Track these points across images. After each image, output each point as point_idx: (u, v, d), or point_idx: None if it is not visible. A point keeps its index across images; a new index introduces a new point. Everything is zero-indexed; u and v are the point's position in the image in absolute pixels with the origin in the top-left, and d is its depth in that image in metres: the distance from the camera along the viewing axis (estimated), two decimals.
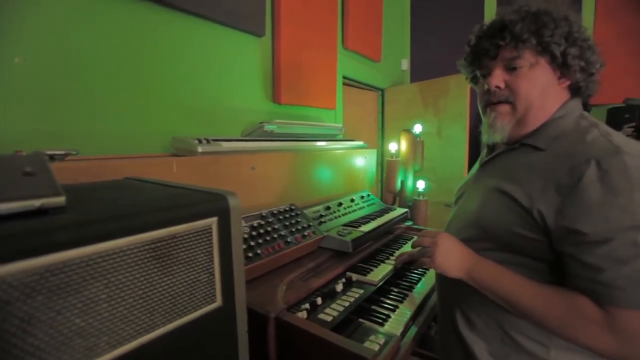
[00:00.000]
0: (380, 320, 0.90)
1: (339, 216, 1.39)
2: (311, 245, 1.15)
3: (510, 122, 0.75)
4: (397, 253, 1.27)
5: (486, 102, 0.79)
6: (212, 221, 0.48)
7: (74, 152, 0.79)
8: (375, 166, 1.97)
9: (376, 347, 0.74)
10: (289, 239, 1.06)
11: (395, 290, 1.09)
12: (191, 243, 0.46)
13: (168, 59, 1.21)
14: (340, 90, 2.23)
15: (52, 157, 0.75)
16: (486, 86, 0.77)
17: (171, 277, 0.44)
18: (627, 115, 1.98)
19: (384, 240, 1.40)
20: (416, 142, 1.97)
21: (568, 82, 0.73)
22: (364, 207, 1.58)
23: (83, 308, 0.35)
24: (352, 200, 1.56)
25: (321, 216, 1.31)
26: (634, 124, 1.88)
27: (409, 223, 1.67)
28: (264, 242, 1.00)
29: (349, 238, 1.16)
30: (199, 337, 0.49)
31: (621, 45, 2.22)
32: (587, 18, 2.33)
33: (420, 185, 1.91)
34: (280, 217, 1.14)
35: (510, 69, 0.73)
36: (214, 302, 0.50)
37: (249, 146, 1.20)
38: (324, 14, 1.94)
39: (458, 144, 2.50)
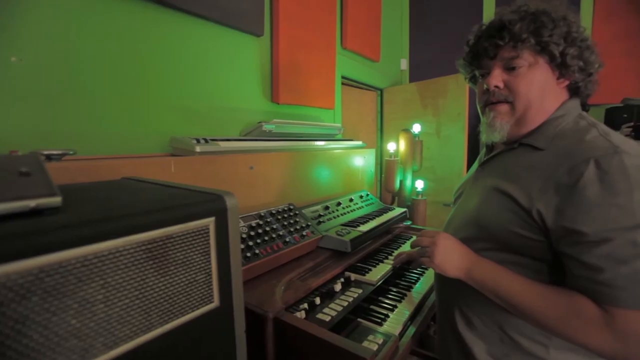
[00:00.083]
0: (379, 320, 0.90)
1: (338, 216, 1.39)
2: (310, 245, 1.15)
3: (509, 122, 0.75)
4: (396, 253, 1.27)
5: (485, 102, 0.79)
6: (210, 221, 0.48)
7: (71, 152, 0.79)
8: (374, 166, 1.97)
9: (375, 347, 0.74)
10: (287, 239, 1.06)
11: (394, 290, 1.09)
12: (188, 243, 0.46)
13: (166, 58, 1.20)
14: (339, 90, 2.23)
15: (49, 157, 0.75)
16: (485, 86, 0.77)
17: (168, 277, 0.44)
18: (625, 115, 1.98)
19: (383, 240, 1.40)
20: (415, 142, 1.98)
21: (567, 82, 0.73)
22: (362, 206, 1.58)
23: (79, 309, 0.35)
24: (351, 200, 1.56)
25: (320, 216, 1.31)
26: (631, 123, 1.88)
27: (408, 223, 1.67)
28: (262, 242, 1.00)
29: (347, 238, 1.16)
30: (197, 338, 0.49)
31: (619, 45, 2.23)
32: (586, 18, 2.33)
33: (419, 184, 1.91)
34: (279, 217, 1.14)
35: (509, 68, 0.73)
36: (212, 302, 0.50)
37: (247, 146, 1.19)
38: (322, 13, 1.94)
39: (457, 143, 2.50)
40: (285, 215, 1.16)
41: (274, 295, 0.84)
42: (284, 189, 1.29)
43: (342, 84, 2.31)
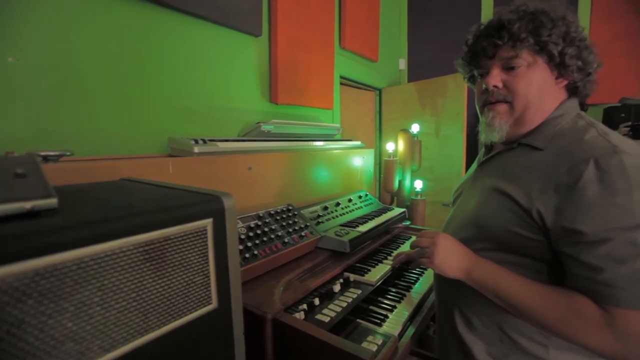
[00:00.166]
0: (378, 321, 0.90)
1: (337, 216, 1.38)
2: (309, 246, 1.14)
3: (508, 122, 0.75)
4: (395, 253, 1.27)
5: (484, 102, 0.79)
6: (207, 222, 0.48)
7: (68, 153, 0.79)
8: (373, 166, 1.97)
9: (374, 348, 0.74)
10: (286, 240, 1.06)
11: (393, 290, 1.09)
12: (186, 245, 0.45)
13: (165, 58, 1.20)
14: (338, 90, 2.23)
15: (45, 158, 0.74)
16: (484, 86, 0.77)
17: (165, 279, 0.43)
18: (623, 115, 1.98)
19: (382, 240, 1.40)
20: (414, 142, 1.98)
21: (565, 82, 0.73)
22: (361, 207, 1.58)
23: (75, 312, 0.35)
24: (350, 200, 1.55)
25: (319, 216, 1.31)
26: (629, 123, 1.89)
27: (407, 223, 1.67)
28: (261, 242, 1.00)
29: (346, 238, 1.15)
30: (195, 340, 0.48)
31: (617, 45, 2.23)
32: (584, 18, 2.34)
33: (418, 184, 1.91)
34: (278, 218, 1.14)
35: (508, 68, 0.73)
36: (210, 304, 0.50)
37: (245, 146, 1.19)
38: (320, 13, 1.94)
39: (456, 143, 2.50)
40: (284, 216, 1.16)
41: (273, 296, 0.84)
42: (282, 189, 1.29)
43: (341, 84, 2.31)
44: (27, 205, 0.36)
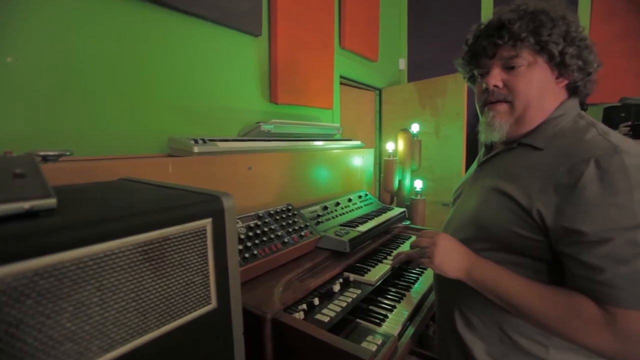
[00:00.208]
0: (378, 321, 0.90)
1: (337, 216, 1.38)
2: (308, 246, 1.14)
3: (508, 121, 0.75)
4: (395, 253, 1.27)
5: (484, 102, 0.78)
6: (207, 222, 0.48)
7: (67, 153, 0.78)
8: (373, 166, 1.97)
9: (374, 348, 0.74)
10: (286, 240, 1.06)
11: (393, 290, 1.09)
12: (185, 245, 0.45)
13: (164, 58, 1.20)
14: (338, 89, 2.23)
15: (45, 158, 0.74)
16: (484, 85, 0.77)
17: (165, 279, 0.43)
18: (623, 114, 1.98)
19: (382, 240, 1.39)
20: (414, 142, 1.97)
21: (566, 82, 0.73)
22: (361, 206, 1.58)
23: (74, 312, 0.35)
24: (350, 200, 1.55)
25: (318, 216, 1.31)
26: (629, 123, 1.88)
27: (407, 222, 1.67)
28: (260, 242, 0.99)
29: (346, 238, 1.15)
30: (194, 340, 0.48)
31: (617, 45, 2.23)
32: (583, 18, 2.34)
33: (418, 184, 1.90)
34: (277, 218, 1.14)
35: (508, 68, 0.73)
36: (209, 304, 0.49)
37: (245, 146, 1.19)
38: (320, 13, 1.93)
39: (455, 143, 2.50)
40: (284, 216, 1.16)
41: (273, 296, 0.84)
42: (282, 189, 1.29)
43: (341, 83, 2.31)
44: (26, 205, 0.36)
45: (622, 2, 2.24)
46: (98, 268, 0.36)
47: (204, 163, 1.00)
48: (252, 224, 1.04)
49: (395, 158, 1.93)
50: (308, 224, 1.19)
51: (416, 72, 3.12)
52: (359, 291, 0.99)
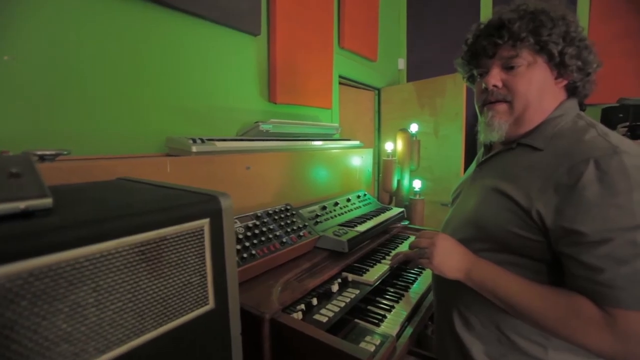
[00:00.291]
0: (376, 321, 0.89)
1: (335, 216, 1.38)
2: (307, 246, 1.14)
3: (507, 121, 0.75)
4: (394, 253, 1.27)
5: (483, 101, 0.78)
6: (204, 223, 0.47)
7: (65, 152, 0.78)
8: (372, 166, 1.97)
9: (372, 348, 0.74)
10: (284, 239, 1.06)
11: (391, 290, 1.08)
12: (182, 245, 0.45)
13: (163, 58, 1.20)
14: (337, 89, 2.22)
15: (42, 158, 0.74)
16: (484, 85, 0.77)
17: (162, 279, 0.43)
18: (621, 115, 1.99)
19: (381, 240, 1.39)
20: (412, 142, 1.97)
21: (565, 82, 0.73)
22: (360, 206, 1.58)
23: (70, 313, 0.34)
24: (349, 200, 1.55)
25: (317, 216, 1.31)
26: (627, 123, 1.89)
27: (406, 222, 1.67)
28: (259, 242, 0.99)
29: (345, 238, 1.15)
30: (191, 340, 0.48)
31: (616, 45, 2.23)
32: (582, 18, 2.34)
33: (417, 184, 1.90)
34: (276, 217, 1.13)
35: (508, 68, 0.73)
36: (207, 304, 0.49)
37: (244, 146, 1.19)
38: (319, 13, 1.93)
39: (454, 143, 2.50)
40: (282, 216, 1.16)
41: (271, 296, 0.84)
42: (281, 189, 1.28)
43: (340, 83, 2.31)
44: (21, 205, 0.35)
45: (621, 3, 2.25)
46: (94, 269, 0.36)
47: (202, 163, 1.00)
48: (250, 223, 1.04)
49: (394, 158, 1.93)
50: (307, 223, 1.19)
51: (415, 72, 3.12)
52: (357, 291, 0.99)
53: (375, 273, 1.10)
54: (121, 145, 1.09)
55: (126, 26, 1.09)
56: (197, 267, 0.47)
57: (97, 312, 0.37)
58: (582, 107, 0.77)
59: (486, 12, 2.68)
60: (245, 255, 0.92)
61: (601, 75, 0.75)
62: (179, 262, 0.45)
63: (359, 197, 1.65)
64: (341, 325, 0.84)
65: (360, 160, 1.81)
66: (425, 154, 2.54)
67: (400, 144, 1.96)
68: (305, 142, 1.50)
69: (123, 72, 1.08)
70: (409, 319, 0.94)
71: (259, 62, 1.59)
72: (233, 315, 0.54)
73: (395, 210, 1.61)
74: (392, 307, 0.97)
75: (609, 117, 2.06)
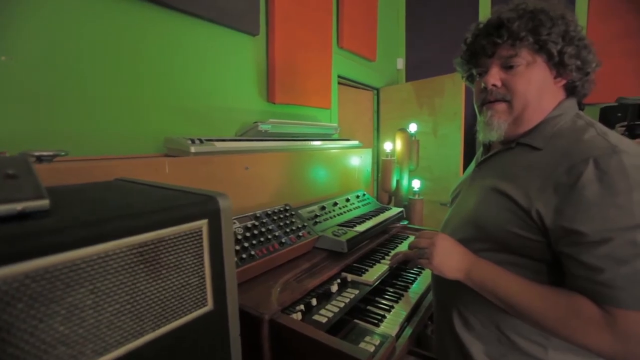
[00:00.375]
0: (376, 321, 0.89)
1: (334, 216, 1.38)
2: (306, 246, 1.14)
3: (506, 121, 0.75)
4: (393, 253, 1.26)
5: (482, 101, 0.78)
6: (202, 223, 0.47)
7: (62, 153, 0.78)
8: (371, 165, 1.97)
9: (371, 349, 0.74)
10: (283, 240, 1.05)
11: (391, 290, 1.08)
12: (181, 246, 0.45)
13: (161, 58, 1.19)
14: (335, 89, 2.22)
15: (39, 159, 0.73)
16: (483, 84, 0.76)
17: (160, 281, 0.43)
18: (619, 114, 1.99)
19: (380, 240, 1.39)
20: (411, 141, 1.97)
21: (564, 82, 0.73)
22: (359, 206, 1.57)
23: (67, 315, 0.34)
24: (348, 200, 1.55)
25: (316, 216, 1.31)
26: (625, 123, 1.89)
27: (405, 222, 1.66)
28: (258, 243, 0.99)
29: (344, 238, 1.15)
30: (190, 342, 0.48)
31: (614, 45, 2.24)
32: (581, 18, 2.34)
33: (416, 184, 1.90)
34: (275, 218, 1.13)
35: (507, 67, 0.73)
36: (205, 305, 0.49)
37: (242, 146, 1.18)
38: (318, 13, 1.93)
39: (453, 142, 2.50)
40: (281, 216, 1.16)
41: (270, 297, 0.84)
42: (280, 189, 1.28)
43: (339, 83, 2.30)
44: (18, 206, 0.35)
45: (619, 2, 2.25)
46: (92, 270, 0.36)
47: (201, 163, 0.99)
48: (249, 224, 1.04)
49: (393, 158, 1.93)
50: (306, 224, 1.19)
51: (414, 71, 3.12)
52: (356, 291, 0.98)
53: (375, 273, 1.09)
54: (120, 146, 1.09)
55: (125, 26, 1.08)
56: (196, 268, 0.47)
57: (95, 314, 0.36)
58: (580, 106, 0.77)
59: (485, 12, 2.68)
60: (244, 255, 0.92)
61: (600, 75, 0.75)
62: (177, 263, 0.45)
63: (358, 197, 1.65)
64: (341, 325, 0.84)
65: (359, 160, 1.81)
66: (424, 153, 2.53)
67: (399, 144, 1.96)
68: (304, 142, 1.50)
69: (122, 72, 1.08)
70: (408, 319, 0.94)
71: (257, 62, 1.59)
72: (232, 316, 0.53)
73: (395, 210, 1.61)
74: (392, 307, 0.97)
75: (608, 117, 2.07)
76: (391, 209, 1.64)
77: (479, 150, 0.92)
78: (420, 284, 1.14)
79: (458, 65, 0.86)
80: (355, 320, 0.87)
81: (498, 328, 0.72)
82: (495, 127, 0.75)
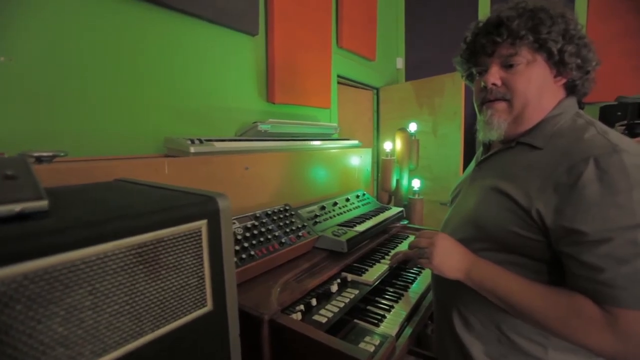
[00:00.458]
0: (376, 321, 0.89)
1: (334, 216, 1.38)
2: (306, 246, 1.14)
3: (506, 120, 0.74)
4: (393, 252, 1.26)
5: (482, 100, 0.78)
6: (202, 224, 0.47)
7: (62, 154, 0.78)
8: (371, 165, 1.97)
9: (371, 349, 0.73)
10: (283, 240, 1.05)
11: (391, 290, 1.08)
12: (180, 246, 0.45)
13: (161, 58, 1.19)
14: (335, 89, 2.22)
15: (39, 159, 0.73)
16: (482, 83, 0.76)
17: (159, 282, 0.43)
18: (619, 113, 1.99)
19: (380, 239, 1.39)
20: (411, 141, 1.97)
21: (564, 80, 0.73)
22: (359, 206, 1.57)
23: (66, 316, 0.34)
24: (347, 200, 1.55)
25: (316, 216, 1.30)
26: (625, 122, 1.89)
27: (405, 222, 1.66)
28: (258, 243, 0.99)
29: (344, 238, 1.15)
30: (189, 342, 0.48)
31: (614, 44, 2.23)
32: (580, 16, 2.33)
33: (416, 184, 1.90)
34: (275, 218, 1.13)
35: (507, 66, 0.72)
36: (205, 306, 0.49)
37: (242, 146, 1.18)
38: (318, 12, 1.93)
39: (453, 142, 2.50)
40: (281, 216, 1.15)
41: (270, 297, 0.84)
42: (279, 189, 1.28)
43: (338, 83, 2.30)
44: (17, 207, 0.35)
45: (618, 2, 2.25)
46: (90, 271, 0.36)
47: (200, 163, 0.99)
48: (249, 224, 1.04)
49: (392, 157, 1.93)
50: (306, 224, 1.19)
51: (414, 71, 3.12)
52: (356, 291, 0.98)
53: (375, 273, 1.09)
54: (120, 146, 1.09)
55: (124, 27, 1.08)
56: (195, 268, 0.47)
57: (94, 315, 0.36)
58: (580, 105, 0.77)
59: (484, 11, 2.68)
60: (244, 256, 0.92)
61: (599, 74, 0.75)
62: (177, 264, 0.44)
63: (357, 196, 1.65)
64: (340, 325, 0.83)
65: (359, 160, 1.80)
66: (424, 153, 2.53)
67: (399, 144, 1.95)
68: (303, 142, 1.50)
69: (121, 72, 1.08)
70: (408, 319, 0.94)
71: (257, 62, 1.59)
72: (231, 317, 0.53)
73: (395, 210, 1.61)
74: (392, 307, 0.97)
75: (607, 116, 2.07)
76: (391, 208, 1.64)
77: (479, 150, 0.91)
78: (420, 283, 1.13)
79: (458, 64, 0.86)
80: (355, 320, 0.86)
81: (498, 328, 0.72)
82: (495, 126, 0.75)
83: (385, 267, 1.13)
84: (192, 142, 1.02)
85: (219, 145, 1.08)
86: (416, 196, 1.88)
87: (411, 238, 0.95)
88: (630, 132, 1.85)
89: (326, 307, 0.89)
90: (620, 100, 1.93)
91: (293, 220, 1.17)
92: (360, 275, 1.07)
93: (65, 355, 0.34)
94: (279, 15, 1.63)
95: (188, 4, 1.22)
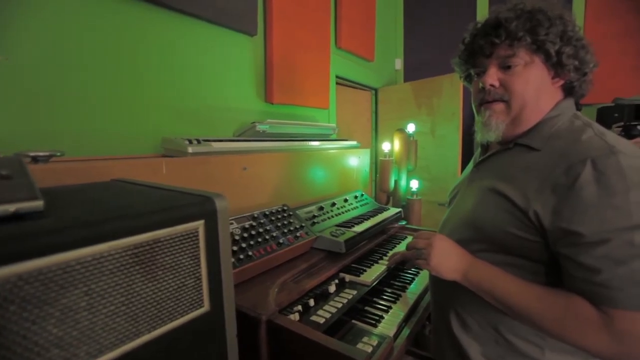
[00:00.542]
0: (374, 322, 0.89)
1: (332, 216, 1.38)
2: (304, 246, 1.14)
3: (504, 121, 0.75)
4: (391, 253, 1.26)
5: (480, 101, 0.78)
6: (199, 224, 0.47)
7: (58, 154, 0.77)
8: (369, 166, 1.97)
9: (369, 349, 0.73)
10: (281, 240, 1.05)
11: (389, 290, 1.08)
12: (177, 247, 0.44)
13: (159, 58, 1.19)
14: (334, 89, 2.22)
15: (35, 159, 0.73)
16: (481, 85, 0.76)
17: (156, 282, 0.42)
18: (616, 115, 2.00)
19: (378, 240, 1.39)
20: (409, 142, 1.97)
21: (562, 82, 0.73)
22: (357, 207, 1.57)
23: (61, 317, 0.34)
24: (346, 201, 1.55)
25: (314, 217, 1.30)
26: (622, 123, 1.90)
27: (403, 223, 1.66)
28: (255, 243, 0.99)
29: (342, 238, 1.15)
30: (187, 343, 0.47)
31: (611, 45, 2.24)
32: (577, 18, 2.35)
33: (414, 184, 1.90)
34: (273, 218, 1.13)
35: (505, 67, 0.72)
36: (202, 307, 0.49)
37: (240, 146, 1.18)
38: (316, 13, 1.93)
39: (451, 143, 2.50)
40: (279, 217, 1.15)
41: (268, 298, 0.83)
42: (277, 189, 1.28)
43: (337, 83, 2.30)
44: (11, 207, 0.34)
45: (616, 2, 2.26)
46: (86, 272, 0.35)
47: (198, 163, 0.99)
48: (247, 224, 1.03)
49: (391, 158, 1.93)
50: (303, 224, 1.19)
51: (412, 72, 3.12)
52: (354, 292, 0.98)
53: (373, 274, 1.09)
54: (117, 146, 1.08)
55: (124, 27, 1.08)
56: (192, 269, 0.47)
57: (89, 316, 0.36)
58: (578, 106, 0.77)
59: (483, 12, 2.68)
60: (241, 256, 0.92)
61: (596, 75, 0.75)
62: (174, 264, 0.44)
63: (356, 197, 1.65)
64: (338, 326, 0.83)
65: (357, 161, 1.80)
66: (422, 153, 2.54)
67: (397, 144, 1.96)
68: (302, 143, 1.49)
69: (116, 72, 1.08)
70: (406, 320, 0.94)
71: (255, 62, 1.59)
72: (229, 318, 0.53)
73: (393, 211, 1.61)
74: (390, 307, 0.97)
75: (605, 117, 2.07)
76: (389, 209, 1.64)
77: (477, 151, 0.91)
78: (418, 284, 1.13)
79: (456, 65, 0.86)
80: (353, 321, 0.86)
81: (495, 329, 0.72)
82: (493, 127, 0.75)
83: (383, 267, 1.13)
84: (190, 142, 1.02)
85: (216, 146, 1.08)
86: (414, 197, 1.88)
87: (409, 239, 0.94)
88: (627, 133, 1.85)
89: (324, 307, 0.89)
90: (617, 101, 1.95)
91: (291, 220, 1.17)
92: (358, 276, 1.07)
93: (60, 356, 0.34)
94: (278, 15, 1.63)
95: (187, 4, 1.22)
